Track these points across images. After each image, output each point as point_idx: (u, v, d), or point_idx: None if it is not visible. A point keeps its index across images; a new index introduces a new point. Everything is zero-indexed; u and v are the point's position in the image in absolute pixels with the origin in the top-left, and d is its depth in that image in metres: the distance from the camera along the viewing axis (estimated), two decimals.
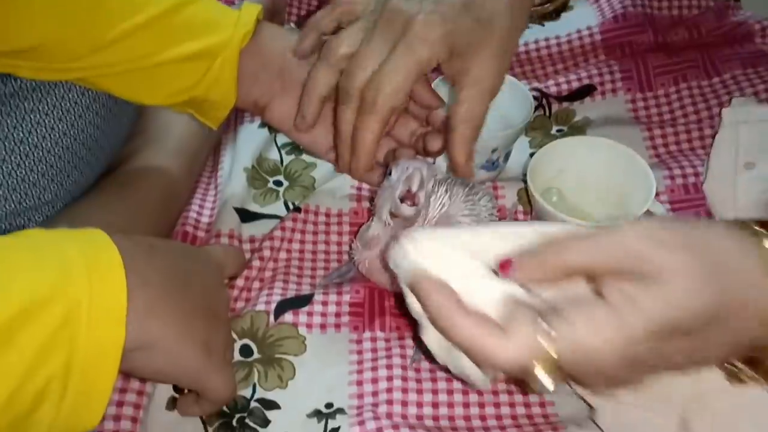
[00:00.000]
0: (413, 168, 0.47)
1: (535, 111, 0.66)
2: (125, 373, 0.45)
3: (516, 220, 0.62)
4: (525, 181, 0.64)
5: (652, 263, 0.32)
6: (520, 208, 0.63)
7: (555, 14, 0.79)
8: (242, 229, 0.60)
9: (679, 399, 0.41)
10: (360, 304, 0.54)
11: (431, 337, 0.36)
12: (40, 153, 0.49)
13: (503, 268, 0.34)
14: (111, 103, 0.54)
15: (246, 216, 0.61)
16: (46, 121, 0.49)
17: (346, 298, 0.54)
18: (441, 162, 0.59)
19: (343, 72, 0.50)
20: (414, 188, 0.47)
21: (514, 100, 0.63)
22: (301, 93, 0.53)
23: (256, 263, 0.56)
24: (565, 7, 0.80)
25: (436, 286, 0.34)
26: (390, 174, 0.49)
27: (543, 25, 0.78)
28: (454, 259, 0.35)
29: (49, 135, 0.49)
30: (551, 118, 0.71)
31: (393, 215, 0.49)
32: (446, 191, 0.52)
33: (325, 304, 0.54)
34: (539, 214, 0.55)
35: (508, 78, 0.65)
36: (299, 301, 0.53)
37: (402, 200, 0.47)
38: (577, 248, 0.34)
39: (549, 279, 0.34)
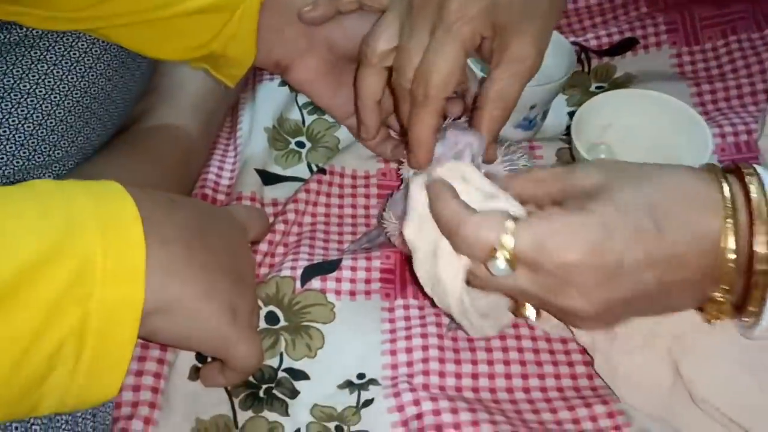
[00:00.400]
0: (464, 143, 0.44)
1: None
2: (144, 339, 0.42)
3: None
4: (564, 140, 0.60)
5: (606, 183, 0.36)
6: None
7: None
8: (264, 192, 0.56)
9: (666, 343, 0.41)
10: (391, 271, 0.51)
11: (420, 267, 0.42)
12: (49, 106, 0.45)
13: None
14: (123, 55, 0.51)
15: (268, 178, 0.57)
16: (55, 72, 0.46)
17: (376, 264, 0.51)
18: None
19: (391, 69, 0.47)
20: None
21: (553, 52, 0.58)
22: (355, 102, 0.50)
23: (280, 227, 0.52)
24: None
25: (443, 184, 0.40)
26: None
27: None
28: (455, 183, 0.41)
29: (58, 87, 0.46)
30: (590, 74, 0.67)
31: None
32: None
33: (353, 270, 0.50)
34: None
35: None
36: (327, 267, 0.50)
37: None
38: (552, 172, 0.40)
39: (526, 192, 0.40)
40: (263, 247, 0.51)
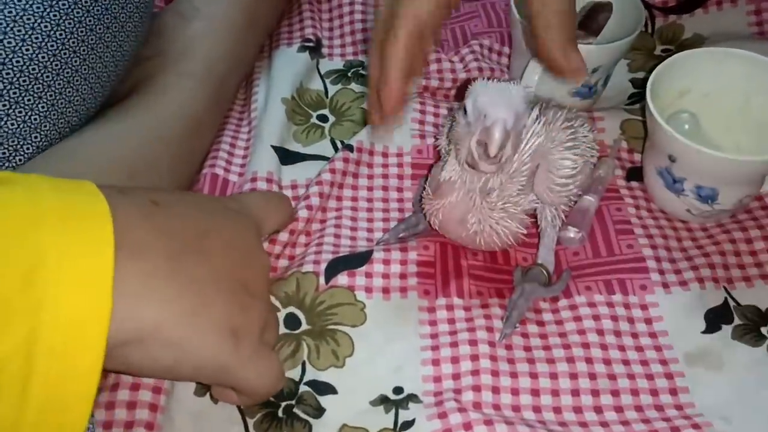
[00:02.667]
0: (495, 117, 0.35)
1: None
2: (117, 372, 0.35)
3: (619, 159, 0.50)
4: (628, 110, 0.52)
5: None
6: (624, 144, 0.50)
7: None
8: (282, 172, 0.49)
9: None
10: (430, 263, 0.43)
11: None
12: (20, 60, 0.38)
13: None
14: (113, 7, 0.43)
15: (286, 156, 0.50)
16: (24, 18, 0.38)
17: (413, 255, 0.43)
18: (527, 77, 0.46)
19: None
20: (493, 149, 0.35)
21: (616, 6, 0.50)
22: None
23: (303, 213, 0.45)
24: None
25: None
26: (465, 110, 0.37)
27: None
28: None
29: (29, 37, 0.38)
30: (654, 35, 0.58)
31: (470, 165, 0.37)
32: (537, 117, 0.40)
33: (387, 263, 0.43)
34: (661, 146, 0.43)
35: None
36: (355, 260, 0.43)
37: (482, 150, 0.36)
38: None
39: None
40: (283, 236, 0.44)
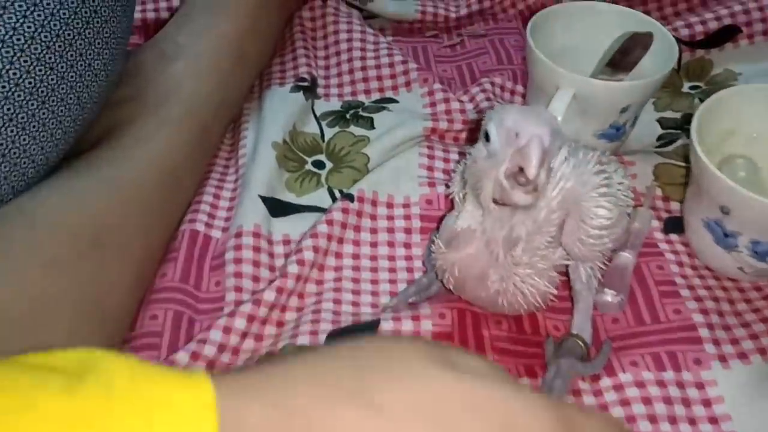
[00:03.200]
0: (530, 134, 0.30)
1: None
2: None
3: (654, 208, 0.44)
4: (660, 154, 0.47)
5: None
6: (659, 191, 0.45)
7: None
8: (272, 226, 0.43)
9: None
10: (448, 335, 0.37)
11: None
12: None
13: None
14: (72, 35, 0.37)
15: (277, 208, 0.44)
16: None
17: (427, 326, 0.37)
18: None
19: None
20: (532, 170, 0.29)
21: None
22: None
23: (293, 269, 0.39)
24: None
25: None
26: (487, 136, 0.31)
27: None
28: None
29: None
30: (681, 71, 0.53)
31: (499, 202, 0.32)
32: (566, 157, 0.34)
33: (397, 335, 0.36)
34: (711, 196, 0.37)
35: (635, 14, 0.47)
36: (360, 331, 0.36)
37: (513, 180, 0.30)
38: None
39: None
40: (269, 296, 0.38)
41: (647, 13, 0.50)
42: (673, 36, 0.53)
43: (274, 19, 0.52)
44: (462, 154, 0.47)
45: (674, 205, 0.44)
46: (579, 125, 0.44)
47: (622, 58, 0.42)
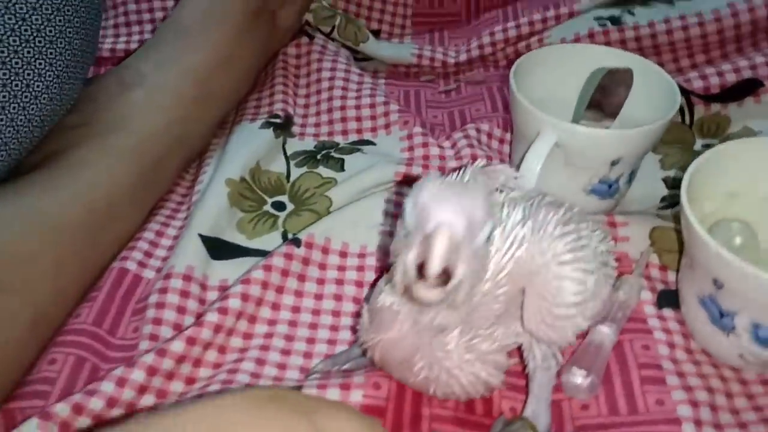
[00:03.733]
0: (437, 221, 0.23)
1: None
2: None
3: (648, 278, 0.38)
4: (661, 216, 0.41)
5: None
6: (655, 259, 0.39)
7: None
8: (210, 269, 0.39)
9: None
10: (380, 410, 0.31)
11: None
12: None
13: None
14: (8, 54, 0.35)
15: (220, 249, 0.40)
16: None
17: (357, 396, 0.32)
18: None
19: None
20: (432, 265, 0.23)
21: (645, 87, 0.40)
22: None
23: (211, 318, 0.34)
24: None
25: None
26: (405, 211, 0.25)
27: (672, 2, 0.54)
28: None
29: None
30: (694, 126, 0.48)
31: (405, 291, 0.26)
32: (523, 219, 0.29)
33: None
34: (703, 267, 0.31)
35: (636, 58, 0.43)
36: None
37: (421, 270, 0.24)
38: None
39: None
40: (177, 347, 0.33)
41: (661, 65, 0.45)
42: (686, 89, 0.48)
43: (249, 56, 0.49)
44: None
45: (672, 276, 0.38)
46: (564, 179, 0.39)
47: (603, 99, 0.37)
